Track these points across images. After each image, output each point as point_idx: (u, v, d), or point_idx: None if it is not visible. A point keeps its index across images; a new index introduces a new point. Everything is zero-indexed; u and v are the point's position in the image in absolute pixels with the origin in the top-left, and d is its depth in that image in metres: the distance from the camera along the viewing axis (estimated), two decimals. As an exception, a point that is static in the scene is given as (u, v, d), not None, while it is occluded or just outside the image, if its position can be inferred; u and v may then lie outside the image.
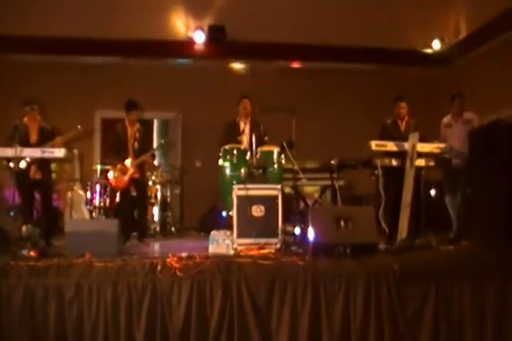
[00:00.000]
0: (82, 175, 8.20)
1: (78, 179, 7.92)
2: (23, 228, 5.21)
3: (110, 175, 6.35)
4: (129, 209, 6.47)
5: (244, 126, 6.61)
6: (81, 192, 7.70)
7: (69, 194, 7.49)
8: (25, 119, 5.89)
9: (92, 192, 7.83)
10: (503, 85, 7.79)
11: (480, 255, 4.61)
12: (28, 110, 5.83)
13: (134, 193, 6.37)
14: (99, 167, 8.06)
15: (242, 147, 5.97)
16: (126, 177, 6.20)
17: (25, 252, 4.39)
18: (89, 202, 7.81)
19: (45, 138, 5.82)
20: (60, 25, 8.35)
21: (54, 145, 5.69)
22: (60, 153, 5.45)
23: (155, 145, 8.53)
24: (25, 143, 5.65)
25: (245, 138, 6.49)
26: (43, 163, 5.77)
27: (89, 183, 7.93)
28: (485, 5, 8.00)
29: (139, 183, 6.35)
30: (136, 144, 6.31)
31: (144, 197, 6.64)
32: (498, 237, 4.89)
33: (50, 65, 9.06)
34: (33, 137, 5.85)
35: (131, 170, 6.20)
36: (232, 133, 6.54)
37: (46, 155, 5.48)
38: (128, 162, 6.21)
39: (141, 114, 6.86)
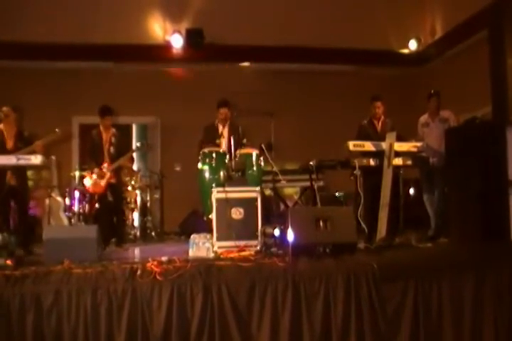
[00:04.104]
0: (60, 182, 8.13)
1: (56, 186, 7.85)
2: (-1, 236, 5.12)
3: (87, 180, 6.31)
4: (107, 215, 6.43)
5: (223, 129, 6.62)
6: (59, 198, 7.62)
7: (47, 201, 7.42)
8: (1, 125, 5.80)
9: (71, 199, 7.74)
10: (478, 84, 7.87)
11: (458, 252, 4.66)
12: (3, 115, 5.74)
13: (110, 198, 6.33)
14: (77, 173, 7.95)
15: (221, 150, 5.98)
16: (103, 183, 6.16)
17: (1, 261, 4.27)
18: (68, 208, 7.71)
19: (22, 144, 5.71)
20: (37, 31, 8.29)
21: (34, 149, 5.59)
22: (36, 159, 5.31)
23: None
24: (2, 150, 5.56)
25: (224, 141, 6.50)
26: (18, 170, 5.65)
27: (67, 190, 7.84)
28: (460, 5, 8.10)
29: (115, 188, 6.34)
30: (111, 149, 6.30)
31: (120, 202, 6.61)
32: (474, 234, 4.95)
33: (26, 71, 8.97)
34: (10, 143, 5.75)
35: (107, 175, 6.17)
36: (211, 137, 6.53)
37: (22, 162, 5.31)
38: (104, 167, 6.19)
39: (115, 119, 6.83)
